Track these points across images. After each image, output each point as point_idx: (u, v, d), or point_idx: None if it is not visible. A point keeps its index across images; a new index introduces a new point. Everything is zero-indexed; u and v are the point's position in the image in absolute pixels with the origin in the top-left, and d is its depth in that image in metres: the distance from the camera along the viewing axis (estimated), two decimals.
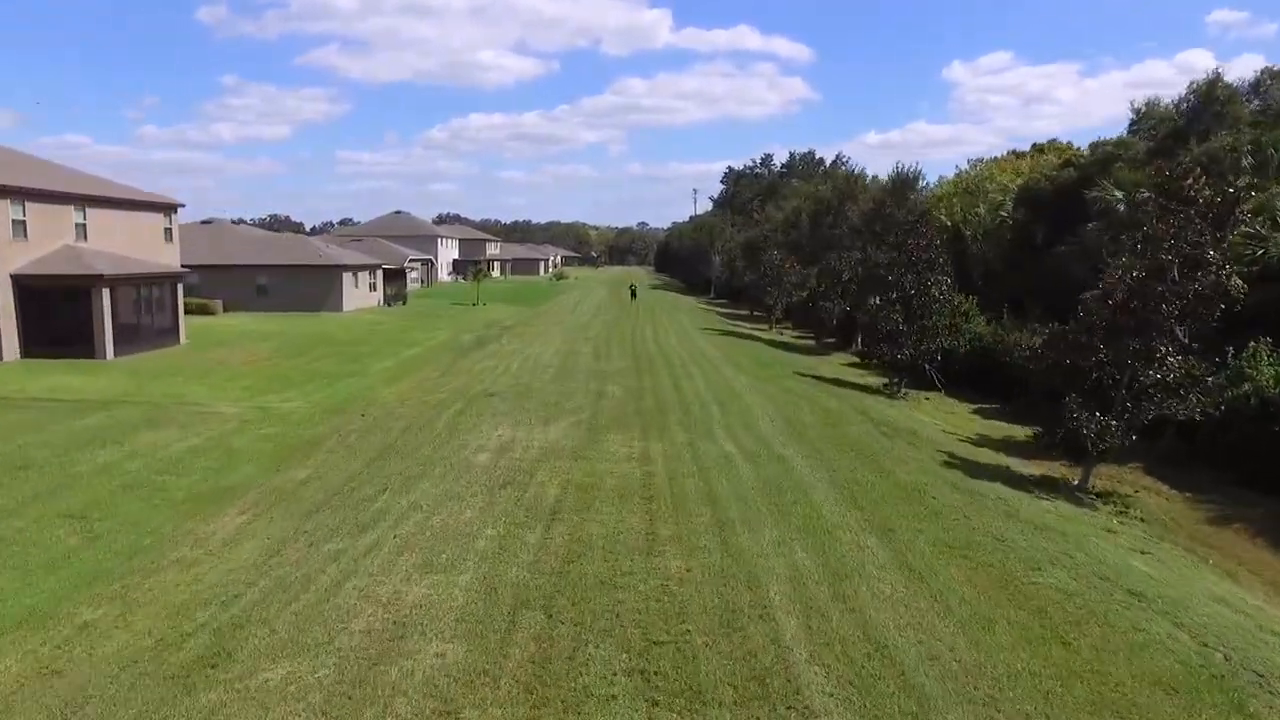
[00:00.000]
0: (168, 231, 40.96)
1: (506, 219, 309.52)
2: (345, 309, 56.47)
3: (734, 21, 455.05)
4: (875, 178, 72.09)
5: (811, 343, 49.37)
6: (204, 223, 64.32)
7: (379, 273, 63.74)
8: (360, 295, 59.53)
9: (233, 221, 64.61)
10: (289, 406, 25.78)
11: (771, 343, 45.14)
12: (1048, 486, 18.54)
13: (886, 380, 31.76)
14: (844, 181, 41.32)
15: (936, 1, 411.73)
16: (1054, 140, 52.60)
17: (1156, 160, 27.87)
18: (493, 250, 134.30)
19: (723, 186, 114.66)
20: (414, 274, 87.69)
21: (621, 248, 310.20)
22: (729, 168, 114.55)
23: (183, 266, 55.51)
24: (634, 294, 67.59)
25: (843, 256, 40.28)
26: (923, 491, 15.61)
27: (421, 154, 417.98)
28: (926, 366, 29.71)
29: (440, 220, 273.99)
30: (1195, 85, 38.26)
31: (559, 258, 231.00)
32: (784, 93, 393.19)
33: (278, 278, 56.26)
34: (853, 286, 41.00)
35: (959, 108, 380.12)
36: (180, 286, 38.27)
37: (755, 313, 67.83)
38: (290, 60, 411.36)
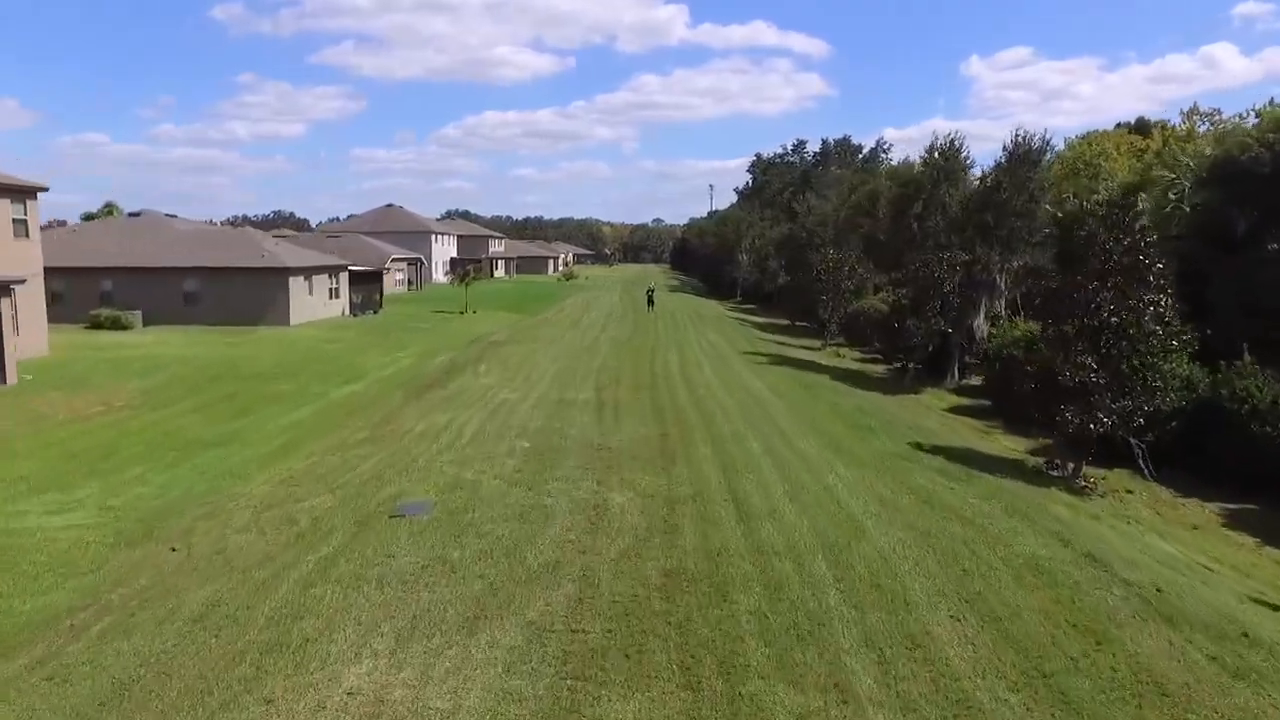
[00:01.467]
0: (18, 224, 30.05)
1: (520, 216, 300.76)
2: (294, 321, 45.50)
3: (750, 17, 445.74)
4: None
5: (884, 368, 38.02)
6: (132, 215, 53.47)
7: (343, 276, 52.74)
8: (316, 304, 48.56)
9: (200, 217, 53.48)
10: (53, 527, 14.73)
11: (838, 373, 33.83)
12: None
13: (1044, 455, 20.48)
14: (942, 158, 29.90)
15: None
16: (1194, 107, 41.23)
17: None
18: (496, 248, 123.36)
19: (749, 176, 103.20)
20: (399, 275, 76.90)
21: (636, 245, 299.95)
22: (757, 155, 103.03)
23: (95, 269, 44.90)
24: (651, 300, 56.44)
25: (942, 258, 28.91)
26: None
27: (436, 151, 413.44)
28: (1134, 441, 18.30)
29: (448, 216, 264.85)
30: None
31: (571, 256, 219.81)
32: (800, 89, 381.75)
33: (210, 283, 45.37)
34: (954, 300, 29.61)
35: (977, 103, 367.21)
36: (13, 299, 27.23)
37: (797, 323, 56.44)
38: (305, 58, 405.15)
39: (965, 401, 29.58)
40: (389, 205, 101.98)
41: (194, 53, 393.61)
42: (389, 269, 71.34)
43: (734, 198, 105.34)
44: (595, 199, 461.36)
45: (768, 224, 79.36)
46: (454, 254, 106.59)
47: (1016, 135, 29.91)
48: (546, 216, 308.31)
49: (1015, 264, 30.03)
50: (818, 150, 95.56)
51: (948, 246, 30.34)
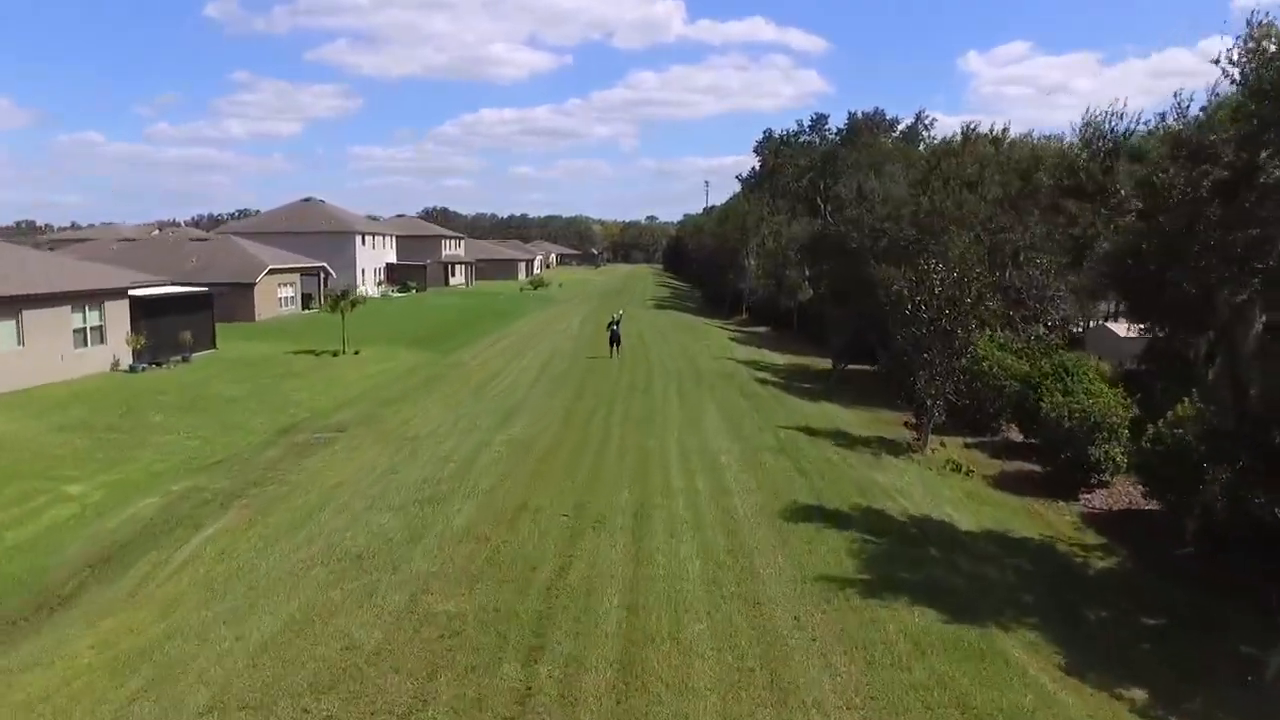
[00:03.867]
0: None
1: (520, 214, 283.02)
2: None
3: (748, 13, 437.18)
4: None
5: (1077, 513, 18.11)
6: None
7: (114, 306, 32.58)
8: (43, 357, 28.50)
9: None
10: None
11: (1024, 569, 13.96)
12: None
13: None
14: None
15: None
16: None
17: None
18: (452, 250, 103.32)
19: (757, 160, 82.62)
20: (287, 292, 56.70)
21: (627, 244, 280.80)
22: (766, 132, 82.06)
23: None
24: (616, 339, 35.83)
25: None
26: None
27: (433, 149, 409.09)
28: None
29: (427, 215, 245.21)
30: None
31: (554, 257, 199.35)
32: (798, 85, 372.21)
33: None
34: None
35: (975, 99, 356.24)
36: None
37: (846, 365, 36.46)
38: (301, 55, 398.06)
39: None
40: (306, 199, 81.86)
41: (188, 51, 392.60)
42: (258, 284, 51.26)
43: (738, 190, 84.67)
44: (597, 196, 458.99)
45: (785, 218, 59.32)
46: (392, 259, 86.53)
47: None
48: (532, 215, 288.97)
49: None
50: (844, 125, 75.39)
51: None
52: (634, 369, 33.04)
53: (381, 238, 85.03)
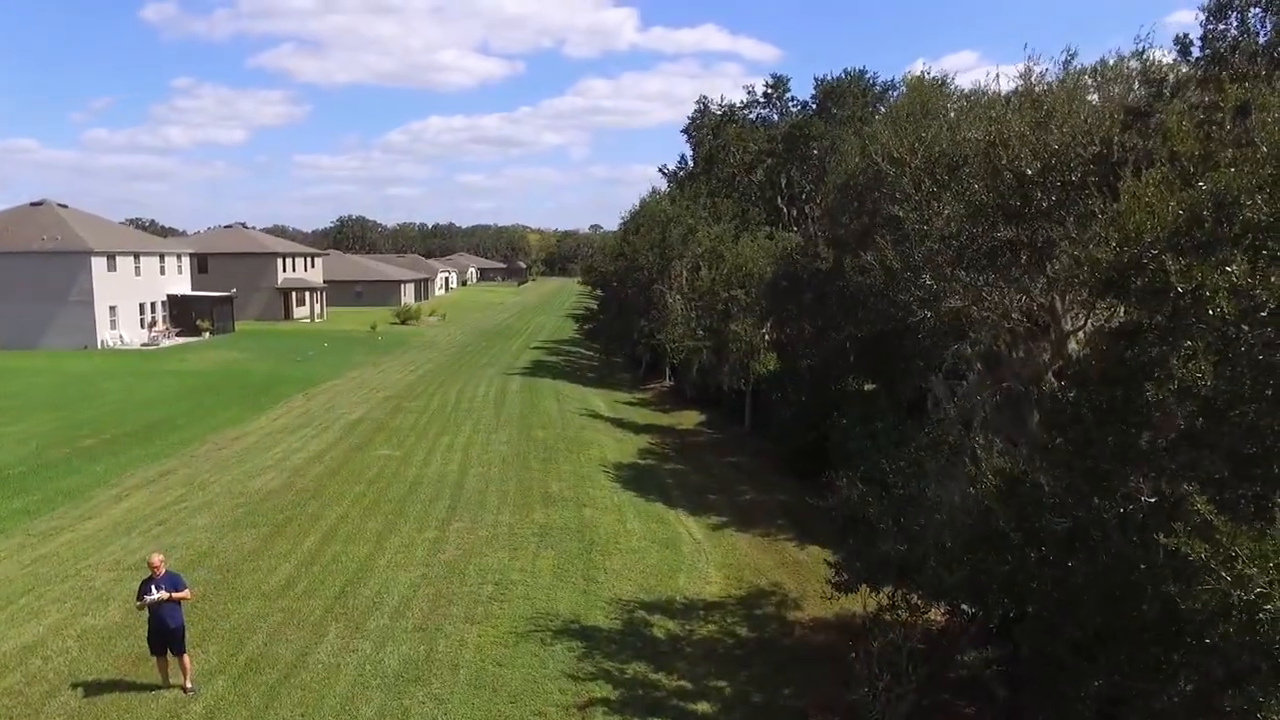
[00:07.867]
0: None
1: (447, 223, 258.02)
2: None
3: (700, 21, 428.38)
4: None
5: None
6: None
7: None
8: None
9: None
10: None
11: None
12: None
13: None
14: None
15: (902, 1, 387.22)
16: None
17: None
18: (294, 272, 77.60)
19: (689, 143, 57.74)
20: None
21: (565, 255, 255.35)
22: (701, 102, 56.01)
23: None
24: (165, 633, 10.70)
25: None
26: None
27: (381, 157, 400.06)
28: None
29: (344, 225, 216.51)
30: None
31: (472, 272, 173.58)
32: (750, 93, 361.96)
33: None
34: None
35: None
36: None
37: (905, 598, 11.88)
38: (244, 62, 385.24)
39: None
40: (37, 203, 55.54)
41: (124, 56, 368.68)
42: None
43: (661, 190, 59.11)
44: (547, 205, 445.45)
45: (728, 227, 35.20)
46: (183, 288, 60.72)
47: None
48: (460, 224, 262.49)
49: None
50: (813, 94, 51.66)
51: None
52: None
53: (159, 259, 59.13)
